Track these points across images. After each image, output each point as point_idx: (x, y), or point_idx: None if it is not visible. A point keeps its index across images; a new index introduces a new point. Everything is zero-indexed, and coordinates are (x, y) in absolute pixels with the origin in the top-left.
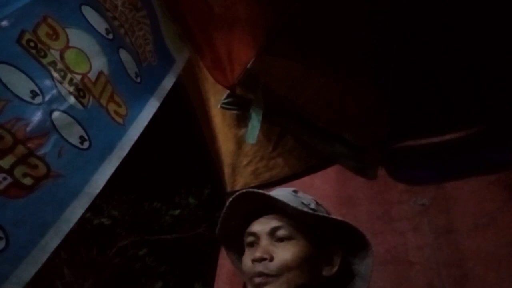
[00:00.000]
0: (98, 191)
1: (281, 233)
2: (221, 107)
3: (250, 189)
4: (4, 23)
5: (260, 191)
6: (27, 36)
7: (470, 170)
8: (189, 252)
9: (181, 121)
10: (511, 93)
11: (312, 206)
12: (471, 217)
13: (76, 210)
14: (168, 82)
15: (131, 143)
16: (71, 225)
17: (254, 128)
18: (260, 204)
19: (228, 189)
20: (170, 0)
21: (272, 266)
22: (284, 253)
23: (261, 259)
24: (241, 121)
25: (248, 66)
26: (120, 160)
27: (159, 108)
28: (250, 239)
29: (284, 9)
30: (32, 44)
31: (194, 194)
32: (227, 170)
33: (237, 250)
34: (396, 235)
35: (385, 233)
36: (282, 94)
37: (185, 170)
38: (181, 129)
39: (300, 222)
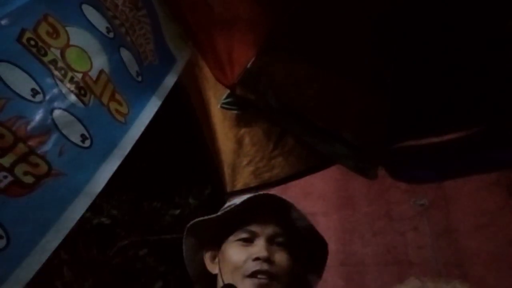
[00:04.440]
0: (99, 190)
1: (280, 239)
2: (221, 107)
3: (271, 193)
4: (5, 21)
5: (281, 196)
6: (28, 34)
7: (470, 170)
8: None
9: (181, 121)
10: (511, 93)
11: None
12: (471, 217)
13: (77, 209)
14: (169, 82)
15: (133, 142)
16: (72, 224)
17: None
18: (259, 206)
19: (228, 189)
20: (170, 0)
21: (275, 268)
22: (283, 259)
23: (266, 259)
24: (241, 121)
25: (248, 66)
26: (121, 159)
27: (159, 108)
28: (245, 235)
29: (284, 9)
30: (32, 42)
31: (194, 194)
32: (227, 170)
33: (200, 237)
34: (396, 235)
35: (385, 233)
36: (282, 94)
37: (185, 170)
38: (181, 129)
39: (294, 233)
